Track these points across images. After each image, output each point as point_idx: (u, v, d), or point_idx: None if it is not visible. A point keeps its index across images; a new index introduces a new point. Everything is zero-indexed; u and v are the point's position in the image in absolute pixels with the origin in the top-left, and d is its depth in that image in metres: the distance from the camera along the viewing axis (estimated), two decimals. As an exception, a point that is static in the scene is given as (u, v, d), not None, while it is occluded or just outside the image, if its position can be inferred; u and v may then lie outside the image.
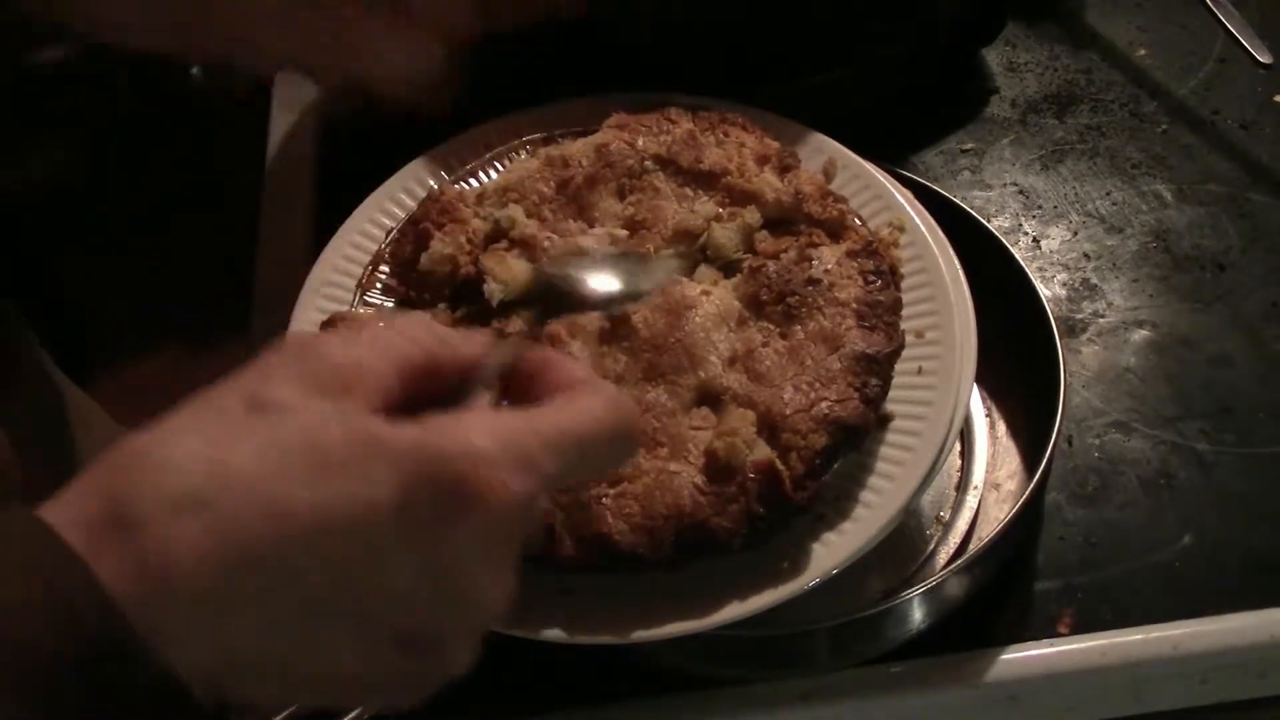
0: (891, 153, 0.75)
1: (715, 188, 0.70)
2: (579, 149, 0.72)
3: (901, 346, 0.64)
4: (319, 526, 0.38)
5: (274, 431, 0.39)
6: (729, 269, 0.68)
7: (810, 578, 0.60)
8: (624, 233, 0.68)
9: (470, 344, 0.45)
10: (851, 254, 0.66)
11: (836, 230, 0.68)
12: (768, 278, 0.65)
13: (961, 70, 0.99)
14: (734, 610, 0.59)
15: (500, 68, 0.77)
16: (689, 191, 0.70)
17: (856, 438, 0.61)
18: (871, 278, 0.65)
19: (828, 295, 0.65)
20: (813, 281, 0.65)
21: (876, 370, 0.62)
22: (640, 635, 0.59)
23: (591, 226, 0.69)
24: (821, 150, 0.74)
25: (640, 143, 0.71)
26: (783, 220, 0.69)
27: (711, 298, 0.65)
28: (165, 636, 0.37)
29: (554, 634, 0.60)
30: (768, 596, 0.60)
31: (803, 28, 0.86)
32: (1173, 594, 0.70)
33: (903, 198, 0.72)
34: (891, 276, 0.67)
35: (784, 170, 0.70)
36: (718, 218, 0.68)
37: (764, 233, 0.68)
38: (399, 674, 0.42)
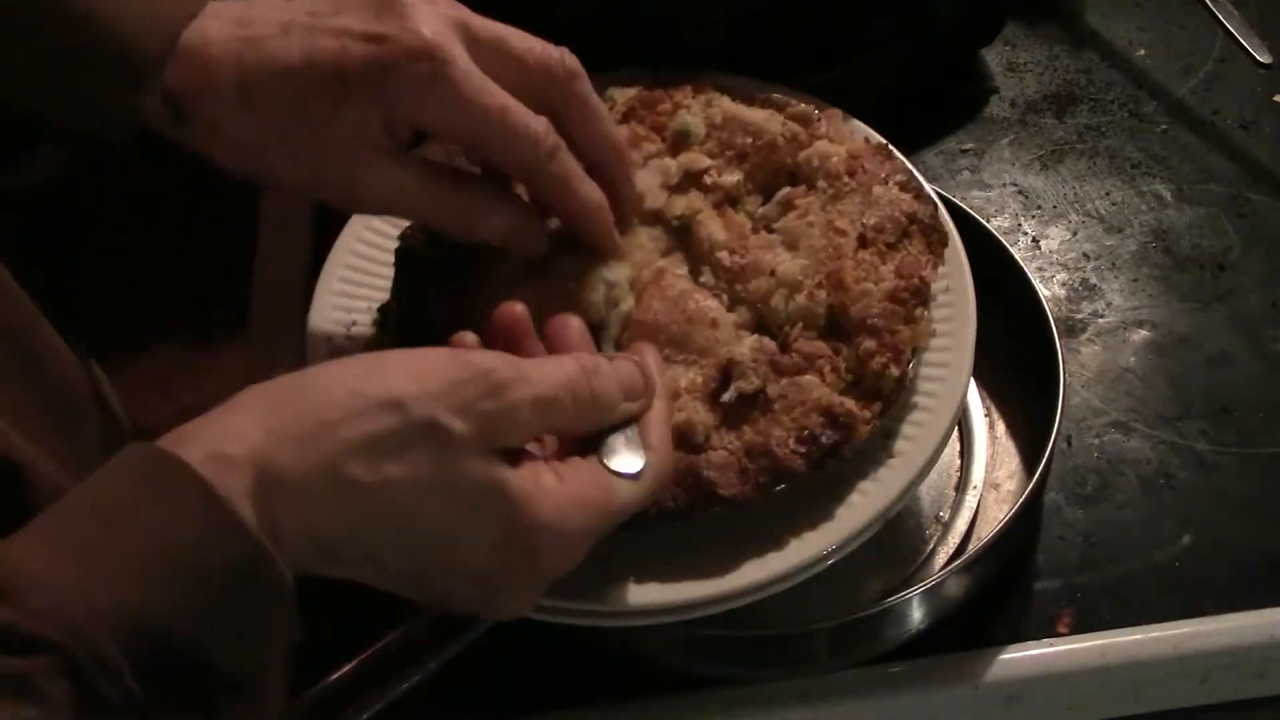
0: (891, 153, 0.75)
1: (828, 254, 0.66)
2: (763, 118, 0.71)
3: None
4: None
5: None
6: (761, 326, 0.65)
7: (824, 552, 0.60)
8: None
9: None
10: (825, 410, 0.61)
11: (862, 384, 0.63)
12: (735, 365, 0.62)
13: (961, 70, 0.99)
14: (755, 572, 0.60)
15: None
16: (818, 236, 0.67)
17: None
18: (802, 444, 0.60)
19: (765, 412, 0.62)
20: (764, 396, 0.62)
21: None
22: (662, 599, 0.60)
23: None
24: (855, 133, 0.74)
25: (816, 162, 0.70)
26: (842, 332, 0.64)
27: (717, 329, 0.64)
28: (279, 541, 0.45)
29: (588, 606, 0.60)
30: (797, 553, 0.60)
31: (802, 27, 0.86)
32: (1173, 594, 0.70)
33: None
34: (823, 459, 0.61)
35: (898, 300, 0.64)
36: (796, 284, 0.64)
37: (814, 331, 0.64)
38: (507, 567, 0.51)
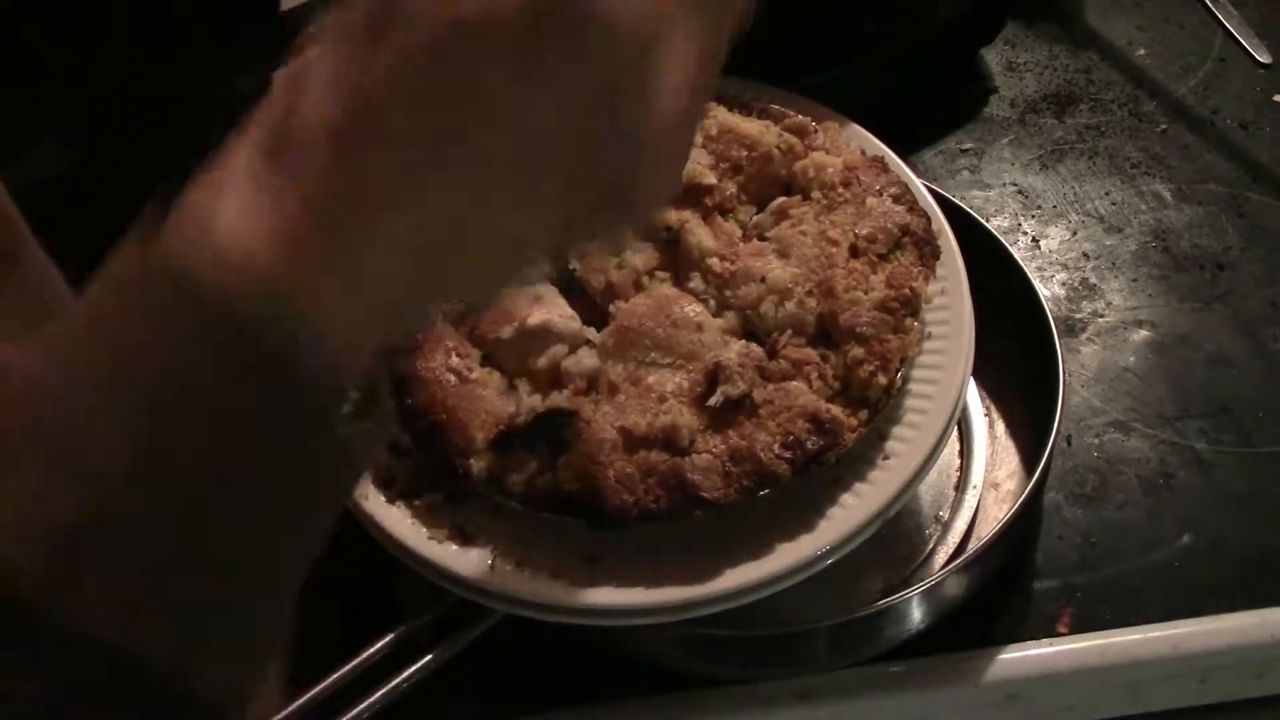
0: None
1: (820, 263, 0.66)
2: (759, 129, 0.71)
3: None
4: (450, 79, 0.37)
5: (395, 40, 0.38)
6: (749, 332, 0.65)
7: (824, 551, 0.60)
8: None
9: None
10: (811, 417, 0.61)
11: (849, 391, 0.63)
12: (721, 369, 0.63)
13: (961, 70, 0.99)
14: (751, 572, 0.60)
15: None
16: (810, 245, 0.67)
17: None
18: (787, 449, 0.60)
19: (751, 416, 0.62)
20: (750, 400, 0.62)
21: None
22: (663, 597, 0.59)
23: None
24: (851, 139, 0.74)
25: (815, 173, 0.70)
26: (830, 340, 0.65)
27: (703, 333, 0.65)
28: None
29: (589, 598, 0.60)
30: (784, 558, 0.60)
31: (802, 27, 0.86)
32: (1172, 594, 0.70)
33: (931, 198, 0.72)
34: (807, 465, 0.61)
35: (887, 310, 0.64)
36: (786, 292, 0.65)
37: (802, 339, 0.64)
38: (603, 167, 0.40)
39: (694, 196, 0.69)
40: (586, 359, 0.63)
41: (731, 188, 0.70)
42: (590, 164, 0.40)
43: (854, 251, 0.66)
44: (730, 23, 0.46)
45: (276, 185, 0.37)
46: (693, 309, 0.65)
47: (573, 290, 0.66)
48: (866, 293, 0.64)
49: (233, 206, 0.37)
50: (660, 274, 0.67)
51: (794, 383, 0.62)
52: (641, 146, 0.40)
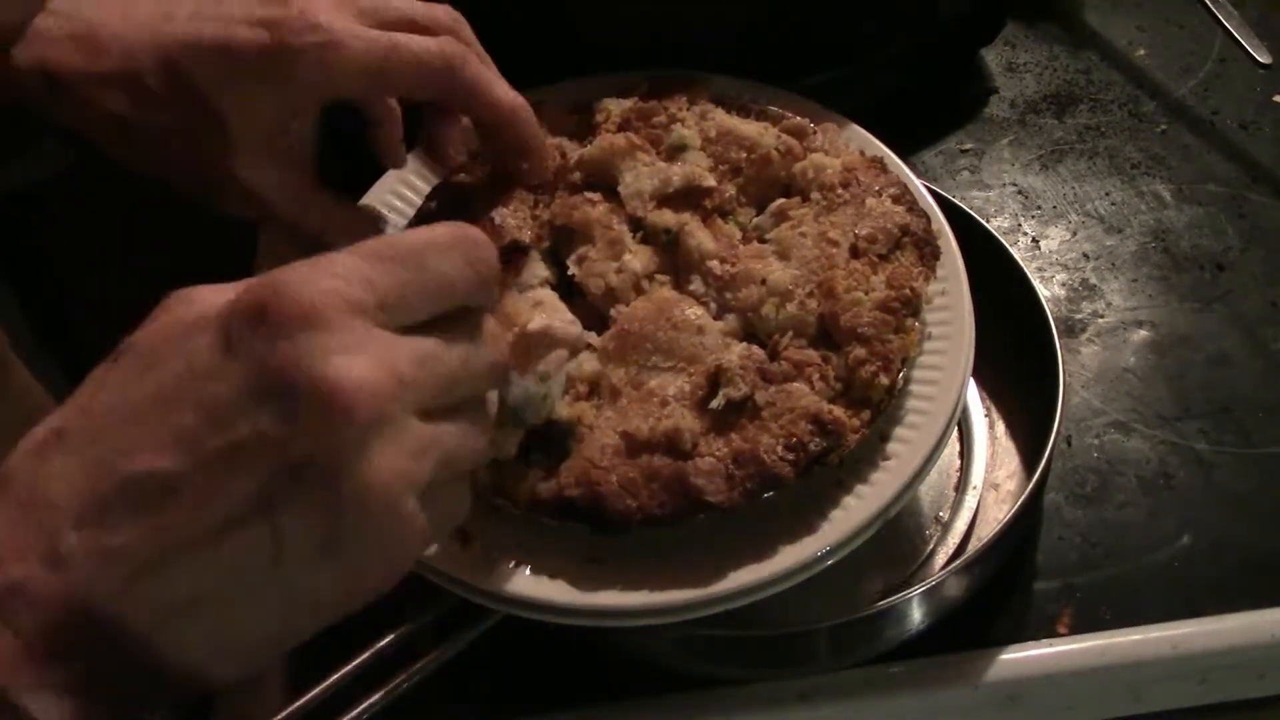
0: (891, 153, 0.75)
1: (820, 264, 0.66)
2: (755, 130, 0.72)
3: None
4: (152, 403, 0.41)
5: (120, 362, 0.43)
6: (750, 334, 0.65)
7: (822, 544, 0.60)
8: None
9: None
10: (814, 418, 0.61)
11: (851, 392, 0.63)
12: (722, 371, 0.62)
13: (961, 70, 0.99)
14: (753, 573, 0.60)
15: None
16: (810, 246, 0.67)
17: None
18: (790, 451, 0.60)
19: (753, 419, 0.62)
20: (752, 402, 0.61)
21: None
22: (671, 598, 0.59)
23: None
24: (851, 139, 0.74)
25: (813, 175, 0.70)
26: (832, 342, 0.64)
27: (704, 335, 0.65)
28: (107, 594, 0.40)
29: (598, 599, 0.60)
30: (785, 559, 0.60)
31: (802, 27, 0.86)
32: (1172, 594, 0.70)
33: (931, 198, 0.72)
34: (810, 466, 0.61)
35: (889, 310, 0.64)
36: (787, 294, 0.65)
37: (804, 340, 0.64)
38: (307, 524, 0.41)
39: (693, 199, 0.69)
40: (588, 363, 0.63)
41: (731, 190, 0.70)
42: (287, 438, 0.40)
43: (854, 252, 0.66)
44: (470, 456, 0.47)
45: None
46: (693, 312, 0.65)
47: (572, 295, 0.66)
48: (867, 293, 0.64)
49: None
50: (660, 277, 0.67)
51: (796, 384, 0.62)
52: (333, 415, 0.40)
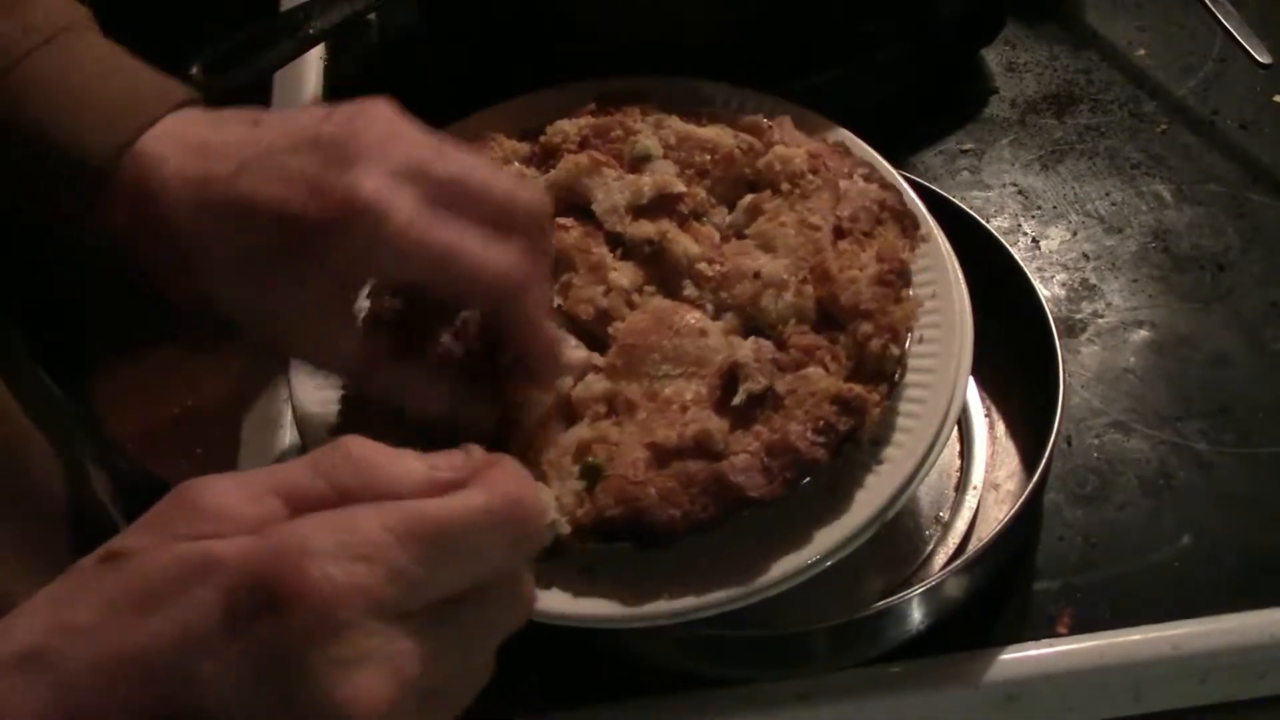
0: (891, 153, 0.75)
1: (807, 250, 0.67)
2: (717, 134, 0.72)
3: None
4: (139, 663, 0.38)
5: (115, 577, 0.39)
6: (752, 329, 0.65)
7: (816, 551, 0.60)
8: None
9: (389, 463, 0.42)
10: (835, 398, 0.61)
11: (864, 368, 0.63)
12: (739, 367, 0.62)
13: (961, 70, 0.99)
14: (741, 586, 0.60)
15: (462, 61, 0.77)
16: (793, 234, 0.67)
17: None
18: (820, 434, 0.60)
19: (777, 409, 0.62)
20: (773, 393, 0.62)
21: None
22: (690, 604, 0.59)
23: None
24: (811, 128, 0.75)
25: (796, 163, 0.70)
26: (834, 323, 0.65)
27: (707, 337, 0.65)
28: None
29: (602, 609, 0.60)
30: (785, 562, 0.60)
31: (802, 27, 0.86)
32: (1172, 594, 0.70)
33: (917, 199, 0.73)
34: (841, 446, 0.61)
35: (885, 283, 0.65)
36: (782, 283, 0.65)
37: (806, 325, 0.65)
38: None
39: (667, 206, 0.69)
40: (597, 384, 0.63)
41: (701, 192, 0.70)
42: None
43: (839, 233, 0.67)
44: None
45: None
46: (692, 316, 0.65)
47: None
48: (861, 270, 0.65)
49: None
50: (648, 289, 0.67)
51: (810, 369, 0.62)
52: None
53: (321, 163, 0.56)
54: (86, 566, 0.40)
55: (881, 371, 0.63)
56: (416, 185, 0.56)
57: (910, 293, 0.66)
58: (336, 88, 0.95)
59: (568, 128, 0.73)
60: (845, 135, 0.75)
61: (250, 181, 0.56)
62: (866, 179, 0.70)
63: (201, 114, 0.60)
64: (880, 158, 0.74)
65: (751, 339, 0.64)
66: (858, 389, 0.62)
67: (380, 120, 0.58)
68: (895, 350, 0.63)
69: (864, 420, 0.61)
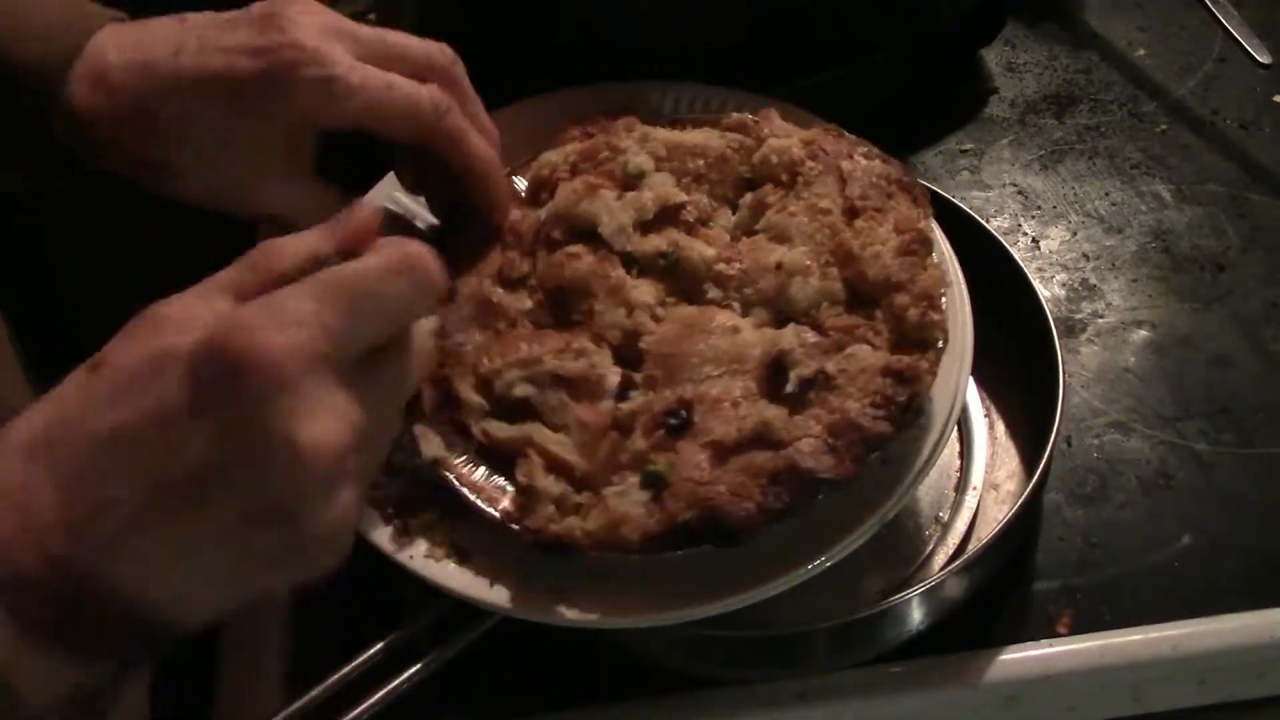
0: (891, 153, 0.75)
1: (823, 234, 0.67)
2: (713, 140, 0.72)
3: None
4: (124, 437, 0.44)
5: (97, 377, 0.45)
6: (783, 320, 0.65)
7: (824, 553, 0.61)
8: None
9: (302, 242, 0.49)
10: (886, 371, 0.62)
11: (905, 339, 0.64)
12: (786, 355, 0.63)
13: (961, 70, 0.99)
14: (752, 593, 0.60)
15: (482, 67, 0.77)
16: (805, 222, 0.67)
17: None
18: (879, 408, 0.61)
19: (831, 390, 0.62)
20: (824, 375, 0.62)
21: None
22: (708, 608, 0.60)
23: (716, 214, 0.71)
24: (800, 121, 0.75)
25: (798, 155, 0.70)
26: (866, 300, 0.65)
27: (740, 333, 0.65)
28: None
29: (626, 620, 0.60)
30: (789, 577, 0.60)
31: (802, 28, 0.86)
32: (1172, 594, 0.70)
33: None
34: (903, 416, 0.61)
35: (909, 253, 0.65)
36: (806, 270, 0.65)
37: (839, 307, 0.65)
38: (268, 553, 0.45)
39: (672, 216, 0.69)
40: (639, 399, 0.63)
41: (702, 198, 0.70)
42: (252, 487, 0.44)
43: (851, 213, 0.67)
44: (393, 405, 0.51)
45: None
46: (722, 316, 0.65)
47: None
48: (883, 244, 0.65)
49: None
50: (670, 300, 0.67)
51: (854, 347, 0.63)
52: (297, 471, 0.44)
53: (257, 32, 0.63)
54: (74, 377, 0.46)
55: (925, 339, 0.63)
56: (345, 42, 0.64)
57: (934, 258, 0.66)
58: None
59: (555, 158, 0.72)
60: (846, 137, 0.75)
61: (191, 59, 0.62)
62: (868, 157, 0.70)
63: (130, 23, 0.66)
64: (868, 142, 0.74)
65: (790, 327, 0.64)
66: (907, 359, 0.62)
67: (301, 1, 0.65)
68: (935, 315, 0.63)
69: (919, 388, 0.61)
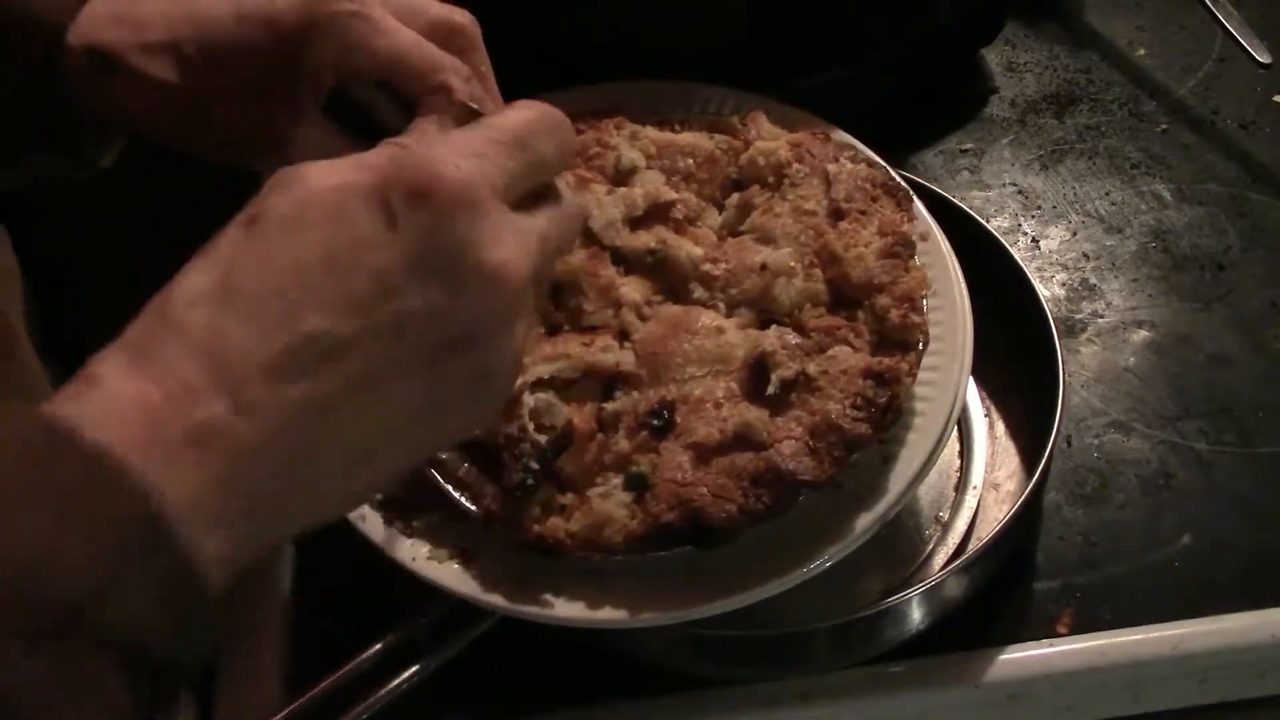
0: (891, 153, 0.75)
1: (808, 236, 0.67)
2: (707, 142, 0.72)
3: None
4: (316, 268, 0.43)
5: (261, 224, 0.44)
6: (767, 320, 0.66)
7: (824, 553, 0.60)
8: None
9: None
10: (867, 373, 0.62)
11: (887, 341, 0.64)
12: (768, 356, 0.63)
13: (961, 70, 0.99)
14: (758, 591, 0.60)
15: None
16: (790, 223, 0.68)
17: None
18: (859, 409, 0.61)
19: (812, 391, 0.62)
20: (806, 376, 0.62)
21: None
22: (698, 610, 0.60)
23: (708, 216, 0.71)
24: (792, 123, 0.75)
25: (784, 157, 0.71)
26: (849, 301, 0.66)
27: (725, 334, 0.65)
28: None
29: (618, 617, 0.60)
30: (781, 581, 0.60)
31: (802, 28, 0.86)
32: (1172, 594, 0.70)
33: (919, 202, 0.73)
34: (882, 417, 0.62)
35: (892, 255, 0.66)
36: (791, 271, 0.66)
37: (822, 308, 0.65)
38: (457, 385, 0.45)
39: (661, 214, 0.69)
40: (624, 399, 0.63)
41: (691, 196, 0.70)
42: (448, 312, 0.44)
43: (836, 215, 0.68)
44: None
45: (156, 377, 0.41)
46: (707, 317, 0.65)
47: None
48: (866, 246, 0.66)
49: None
50: (656, 298, 0.67)
51: (836, 349, 0.63)
52: (490, 293, 0.45)
53: None
54: (229, 235, 0.44)
55: (906, 341, 0.64)
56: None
57: (916, 261, 0.67)
58: (337, 88, 0.95)
59: None
60: (843, 136, 0.75)
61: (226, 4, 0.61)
62: (853, 160, 0.71)
63: None
64: (858, 143, 0.74)
65: (773, 328, 0.64)
66: (887, 360, 0.63)
67: None
68: (916, 318, 0.64)
69: (899, 390, 0.62)
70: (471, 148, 0.47)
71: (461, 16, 0.65)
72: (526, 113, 0.50)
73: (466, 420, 0.47)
